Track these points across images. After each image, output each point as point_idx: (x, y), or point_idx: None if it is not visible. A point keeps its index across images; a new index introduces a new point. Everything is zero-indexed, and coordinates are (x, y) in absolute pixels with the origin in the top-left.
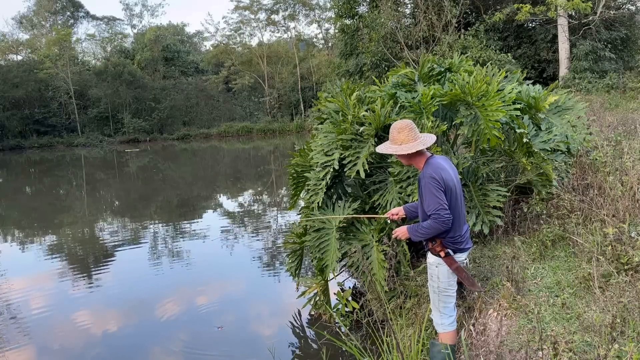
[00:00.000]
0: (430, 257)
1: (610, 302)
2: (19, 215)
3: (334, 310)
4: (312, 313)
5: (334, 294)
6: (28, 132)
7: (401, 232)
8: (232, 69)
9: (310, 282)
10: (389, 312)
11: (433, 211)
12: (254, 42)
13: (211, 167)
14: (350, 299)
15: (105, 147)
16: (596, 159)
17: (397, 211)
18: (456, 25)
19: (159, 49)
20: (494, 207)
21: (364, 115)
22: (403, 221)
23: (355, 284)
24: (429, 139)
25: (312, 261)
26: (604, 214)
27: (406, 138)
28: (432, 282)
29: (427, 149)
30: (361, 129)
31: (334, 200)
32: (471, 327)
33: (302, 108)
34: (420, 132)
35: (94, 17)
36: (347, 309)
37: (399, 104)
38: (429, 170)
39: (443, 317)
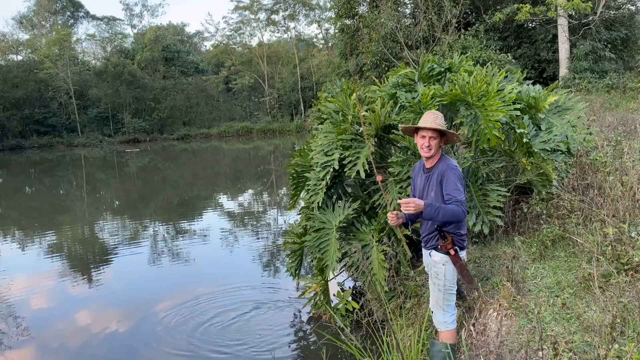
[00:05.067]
0: (437, 255)
1: (610, 302)
2: (19, 215)
3: (334, 310)
4: (312, 313)
5: (334, 294)
6: (28, 132)
7: (415, 204)
8: (232, 69)
9: (310, 282)
10: (389, 312)
11: (462, 198)
12: (254, 42)
13: (211, 167)
14: (350, 299)
15: (105, 147)
16: (596, 159)
17: (398, 215)
18: (456, 25)
19: (159, 49)
20: (494, 207)
21: (364, 115)
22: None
23: (355, 284)
24: None
25: (312, 261)
26: (604, 214)
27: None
28: (438, 281)
29: None
30: (361, 129)
31: (334, 200)
32: (471, 327)
33: (302, 108)
34: None
35: (94, 17)
36: (347, 309)
37: (399, 104)
38: (454, 163)
39: (446, 315)
